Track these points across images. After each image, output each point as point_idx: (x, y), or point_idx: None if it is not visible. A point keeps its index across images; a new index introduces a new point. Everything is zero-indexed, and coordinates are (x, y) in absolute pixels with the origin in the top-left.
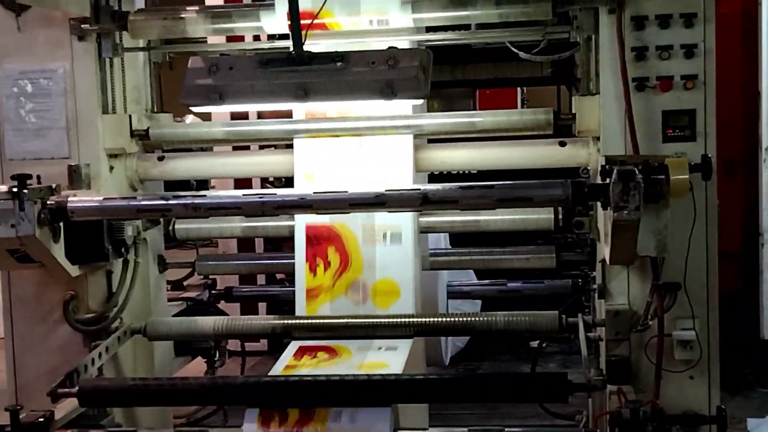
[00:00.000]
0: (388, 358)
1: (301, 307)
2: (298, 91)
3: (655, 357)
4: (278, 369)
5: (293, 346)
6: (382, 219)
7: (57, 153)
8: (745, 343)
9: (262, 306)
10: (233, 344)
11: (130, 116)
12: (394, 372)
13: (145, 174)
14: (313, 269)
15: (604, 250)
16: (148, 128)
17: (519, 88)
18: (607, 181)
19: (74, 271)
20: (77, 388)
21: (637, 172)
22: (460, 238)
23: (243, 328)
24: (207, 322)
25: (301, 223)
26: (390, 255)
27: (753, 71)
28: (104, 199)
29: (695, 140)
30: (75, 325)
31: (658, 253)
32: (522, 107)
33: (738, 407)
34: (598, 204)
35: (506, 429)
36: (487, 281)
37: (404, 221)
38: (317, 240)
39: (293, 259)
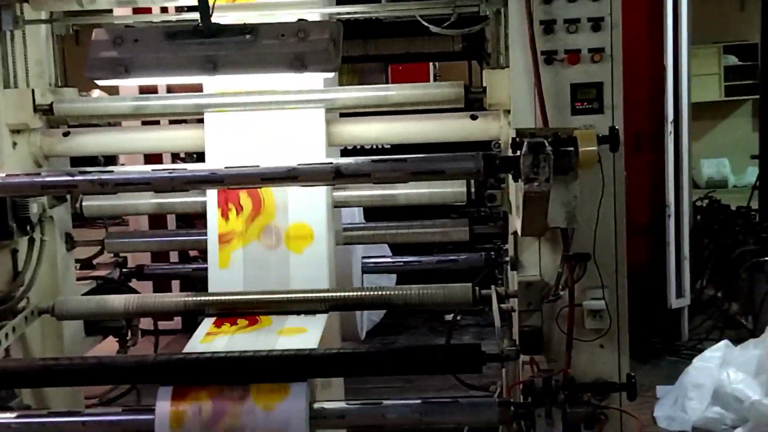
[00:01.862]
0: (307, 324)
1: (213, 253)
2: (206, 64)
3: (566, 327)
4: (198, 337)
5: (209, 320)
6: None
7: None
8: (653, 313)
9: (175, 284)
10: (146, 323)
11: (32, 90)
12: (312, 339)
13: (49, 150)
14: (225, 214)
15: (516, 223)
16: (52, 103)
17: (431, 63)
18: (518, 153)
19: None
20: None
21: (546, 144)
22: (374, 213)
23: (155, 306)
24: (118, 300)
25: (213, 150)
26: (303, 198)
27: (658, 47)
28: (7, 175)
29: (603, 113)
30: None
31: (567, 225)
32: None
33: (647, 375)
34: (510, 177)
35: (422, 400)
36: (401, 256)
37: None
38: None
39: (206, 235)
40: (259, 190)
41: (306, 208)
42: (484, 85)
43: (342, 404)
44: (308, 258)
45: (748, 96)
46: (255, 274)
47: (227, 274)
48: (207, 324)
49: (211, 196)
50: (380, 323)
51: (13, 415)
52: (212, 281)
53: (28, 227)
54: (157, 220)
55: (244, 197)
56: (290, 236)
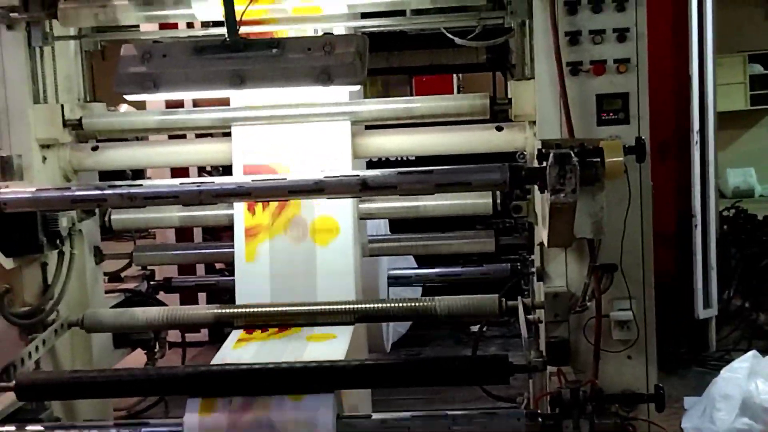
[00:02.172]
0: (336, 329)
1: (240, 247)
2: (233, 78)
3: (594, 338)
4: (230, 344)
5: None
6: (318, 156)
7: None
8: (680, 323)
9: (201, 296)
10: (173, 335)
11: (62, 106)
12: (341, 345)
13: (78, 164)
14: (251, 208)
15: (542, 233)
16: (81, 118)
17: (455, 75)
18: (544, 164)
19: (8, 264)
20: (14, 382)
21: (572, 155)
22: (399, 224)
23: (183, 318)
24: (146, 313)
25: (239, 164)
26: None
27: (683, 56)
28: (37, 190)
29: (629, 123)
30: (10, 319)
31: (594, 235)
32: (458, 93)
33: (674, 386)
34: (536, 188)
35: (449, 413)
36: (427, 268)
37: (341, 156)
38: (256, 171)
39: (232, 248)
40: None
41: (332, 201)
42: (509, 96)
43: (369, 416)
44: (334, 251)
45: None
46: (281, 267)
47: (254, 267)
48: (238, 331)
49: None
50: (406, 335)
51: (42, 427)
52: (239, 275)
53: (58, 241)
54: (183, 232)
55: None
56: (316, 229)
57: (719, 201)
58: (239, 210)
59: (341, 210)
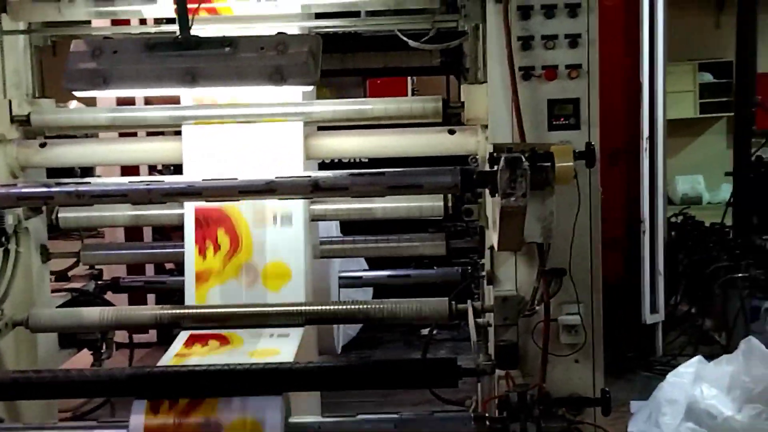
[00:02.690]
0: (280, 345)
1: (190, 292)
2: (185, 76)
3: (542, 342)
4: (168, 358)
5: (184, 335)
6: (273, 201)
7: None
8: (628, 328)
9: (150, 297)
10: (121, 336)
11: (9, 101)
12: (286, 360)
13: (26, 161)
14: (202, 252)
15: (493, 237)
16: (30, 113)
17: (409, 78)
18: (495, 168)
19: None
20: None
21: (523, 159)
22: (350, 226)
23: (130, 319)
24: (93, 313)
25: (191, 205)
26: (280, 237)
27: (635, 63)
28: None
29: (579, 129)
30: None
31: (544, 240)
32: (412, 96)
33: (621, 390)
34: (487, 191)
35: (397, 415)
36: (378, 270)
37: (294, 204)
38: (207, 222)
39: (182, 247)
40: (236, 229)
41: (284, 247)
42: (462, 99)
43: (318, 419)
44: (285, 296)
45: (723, 113)
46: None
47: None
48: (177, 345)
49: (189, 234)
50: (356, 337)
51: None
52: None
53: (3, 239)
54: (133, 232)
55: (221, 235)
56: (268, 275)
57: (668, 207)
58: (190, 253)
59: (293, 255)
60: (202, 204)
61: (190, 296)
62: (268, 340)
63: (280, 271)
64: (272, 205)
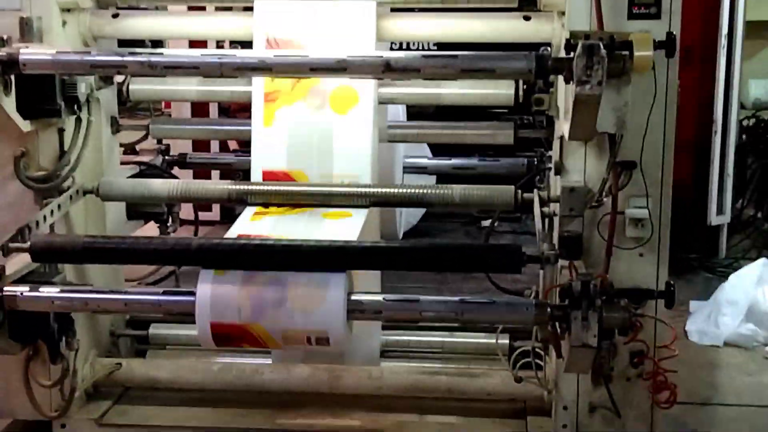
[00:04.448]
0: (351, 210)
1: (258, 110)
2: None
3: (607, 233)
4: (247, 216)
5: (249, 210)
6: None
7: (7, 4)
8: (692, 229)
9: (215, 174)
10: (185, 213)
11: None
12: (354, 229)
13: (98, 31)
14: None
15: (564, 127)
16: None
17: None
18: (571, 55)
19: (25, 126)
20: (29, 243)
21: (601, 47)
22: (416, 117)
23: (198, 192)
24: (162, 185)
25: (261, 38)
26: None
27: None
28: (58, 52)
29: (660, 18)
30: (26, 182)
31: (617, 130)
32: None
33: (681, 289)
34: (560, 80)
35: (459, 298)
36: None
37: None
38: (277, 46)
39: (249, 125)
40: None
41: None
42: None
43: (380, 297)
44: (352, 119)
45: None
46: (298, 133)
47: (271, 132)
48: (252, 208)
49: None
50: (416, 226)
51: (57, 289)
52: (256, 140)
53: (76, 107)
54: (199, 111)
55: None
56: (336, 97)
57: (739, 111)
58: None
59: (362, 82)
60: (271, 36)
61: (258, 116)
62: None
63: (348, 93)
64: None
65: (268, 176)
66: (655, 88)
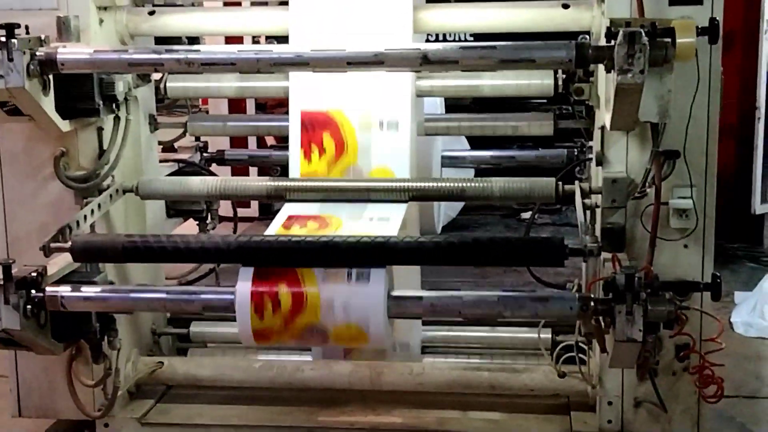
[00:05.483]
0: (380, 230)
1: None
2: None
3: (651, 225)
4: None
5: (285, 211)
6: (379, 106)
7: (45, 3)
8: (736, 218)
9: (252, 171)
10: (224, 210)
11: None
12: (390, 233)
13: (135, 29)
14: (308, 156)
15: (605, 116)
16: None
17: None
18: (612, 43)
19: (65, 126)
20: (70, 243)
21: (643, 34)
22: (454, 109)
23: (238, 189)
24: (201, 182)
25: (296, 109)
26: (386, 142)
27: None
28: (95, 51)
29: (702, 4)
30: (66, 182)
31: (659, 119)
32: None
33: (726, 280)
34: (600, 69)
35: (501, 293)
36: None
37: (401, 109)
38: (312, 126)
39: (287, 121)
40: (342, 133)
41: (389, 152)
42: None
43: (420, 292)
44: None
45: None
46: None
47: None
48: (278, 223)
49: (294, 138)
50: (455, 219)
51: (98, 289)
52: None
53: (114, 105)
54: (236, 108)
55: (327, 139)
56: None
57: None
58: (295, 157)
59: (398, 162)
60: (307, 108)
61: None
62: (368, 223)
63: (385, 176)
64: (378, 110)
65: (298, 219)
66: (698, 75)
